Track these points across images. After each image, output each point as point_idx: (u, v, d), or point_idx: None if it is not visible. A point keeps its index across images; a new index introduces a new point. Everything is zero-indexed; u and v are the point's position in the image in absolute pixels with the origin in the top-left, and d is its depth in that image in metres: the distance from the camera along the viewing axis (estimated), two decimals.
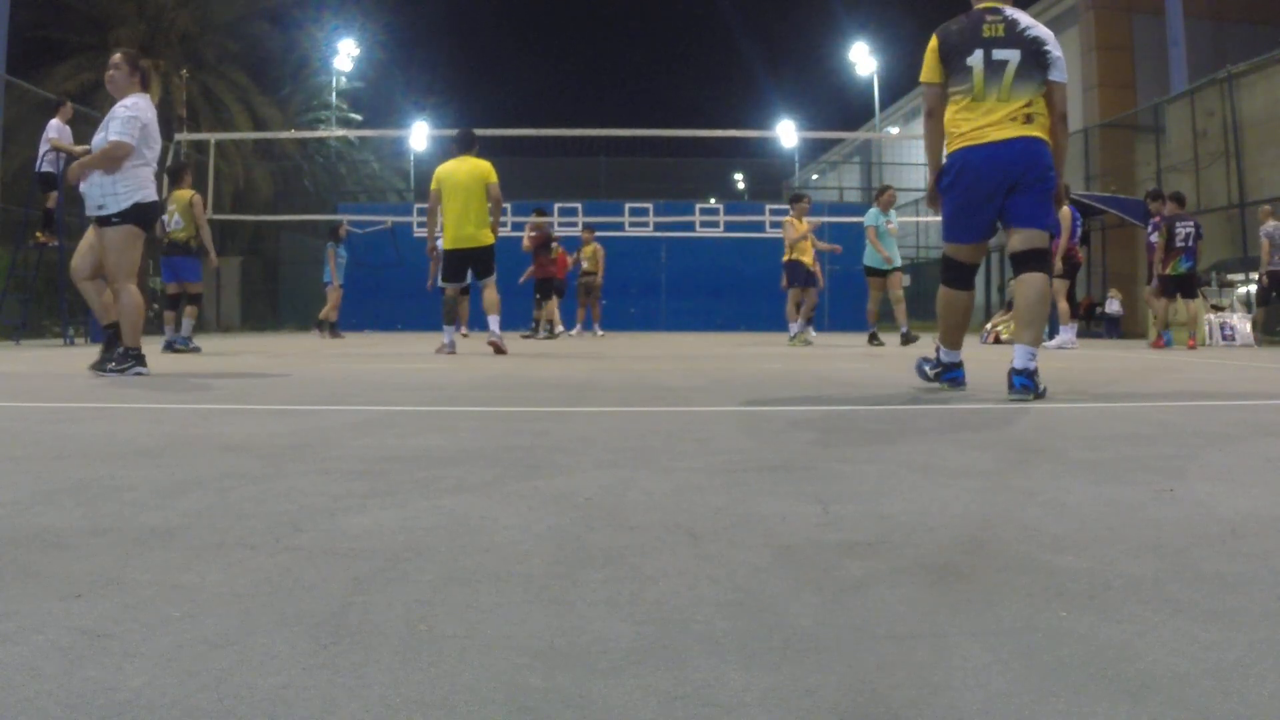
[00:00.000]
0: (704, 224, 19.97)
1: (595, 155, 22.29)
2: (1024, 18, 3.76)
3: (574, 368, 5.90)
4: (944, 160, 3.87)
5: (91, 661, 0.91)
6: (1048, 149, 3.69)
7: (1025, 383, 3.54)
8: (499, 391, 4.11)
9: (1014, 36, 3.68)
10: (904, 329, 10.37)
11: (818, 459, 2.14)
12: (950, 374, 4.05)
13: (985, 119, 3.67)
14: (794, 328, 11.01)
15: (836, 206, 23.83)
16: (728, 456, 2.18)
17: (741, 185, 33.02)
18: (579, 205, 19.57)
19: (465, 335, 12.85)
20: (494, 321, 7.95)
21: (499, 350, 7.68)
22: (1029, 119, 3.65)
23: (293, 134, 21.68)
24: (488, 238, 7.87)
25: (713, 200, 23.40)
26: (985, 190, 3.71)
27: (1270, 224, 10.77)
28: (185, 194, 8.95)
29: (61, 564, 1.25)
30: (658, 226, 16.43)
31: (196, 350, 8.46)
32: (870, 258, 10.59)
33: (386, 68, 31.85)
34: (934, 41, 3.84)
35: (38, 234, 11.21)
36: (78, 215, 12.03)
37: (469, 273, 8.11)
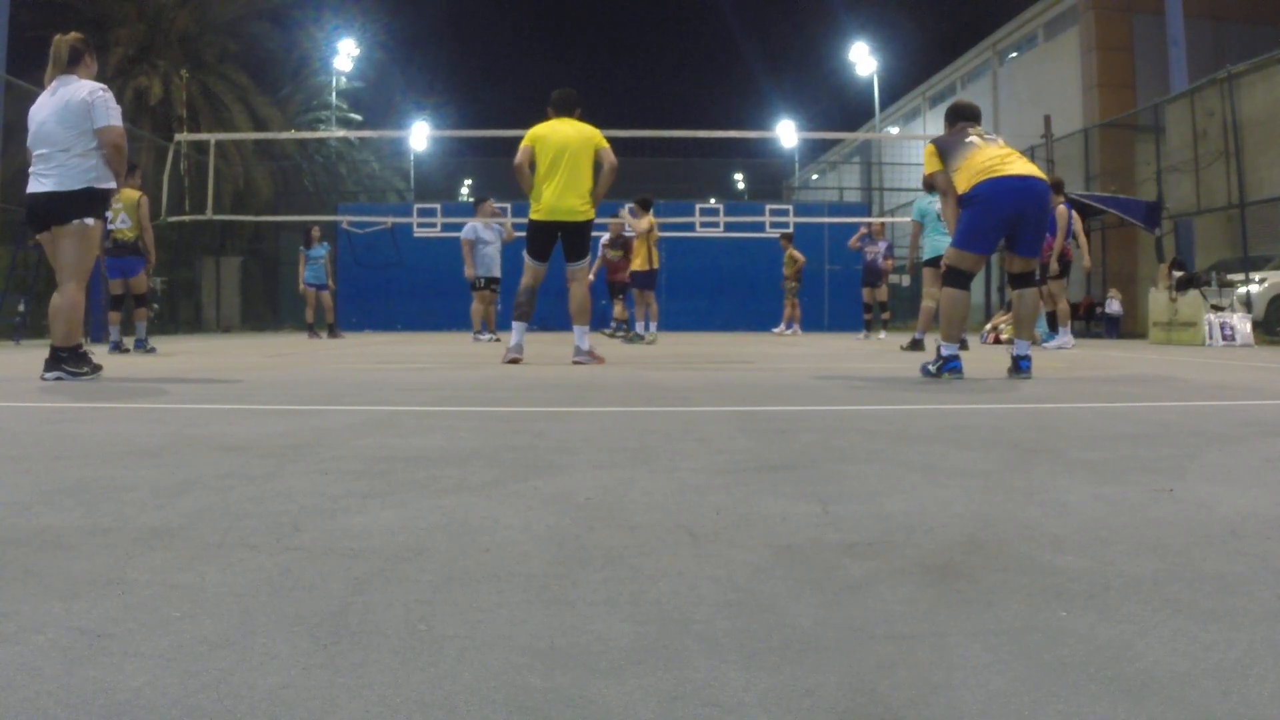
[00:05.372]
0: (704, 224, 19.96)
1: None
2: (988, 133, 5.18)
3: (573, 368, 5.90)
4: (971, 190, 4.84)
5: (91, 661, 0.91)
6: (1050, 191, 5.02)
7: (1028, 365, 4.94)
8: (499, 391, 4.11)
9: (993, 137, 5.07)
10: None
11: (818, 459, 2.14)
12: (950, 365, 4.86)
13: (997, 154, 4.84)
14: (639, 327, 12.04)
15: (836, 207, 23.81)
16: (728, 456, 2.18)
17: (741, 185, 33.02)
18: None
19: (497, 339, 12.01)
20: (581, 334, 6.57)
21: (592, 357, 6.47)
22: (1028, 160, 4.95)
23: (293, 134, 21.64)
24: (590, 213, 6.58)
25: (713, 200, 23.37)
26: (1004, 215, 4.81)
27: None
28: (134, 194, 8.72)
29: (61, 564, 1.25)
30: (658, 226, 16.38)
31: (152, 351, 8.45)
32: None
33: (386, 68, 31.86)
34: (931, 147, 5.09)
35: (38, 235, 11.20)
36: None
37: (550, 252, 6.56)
